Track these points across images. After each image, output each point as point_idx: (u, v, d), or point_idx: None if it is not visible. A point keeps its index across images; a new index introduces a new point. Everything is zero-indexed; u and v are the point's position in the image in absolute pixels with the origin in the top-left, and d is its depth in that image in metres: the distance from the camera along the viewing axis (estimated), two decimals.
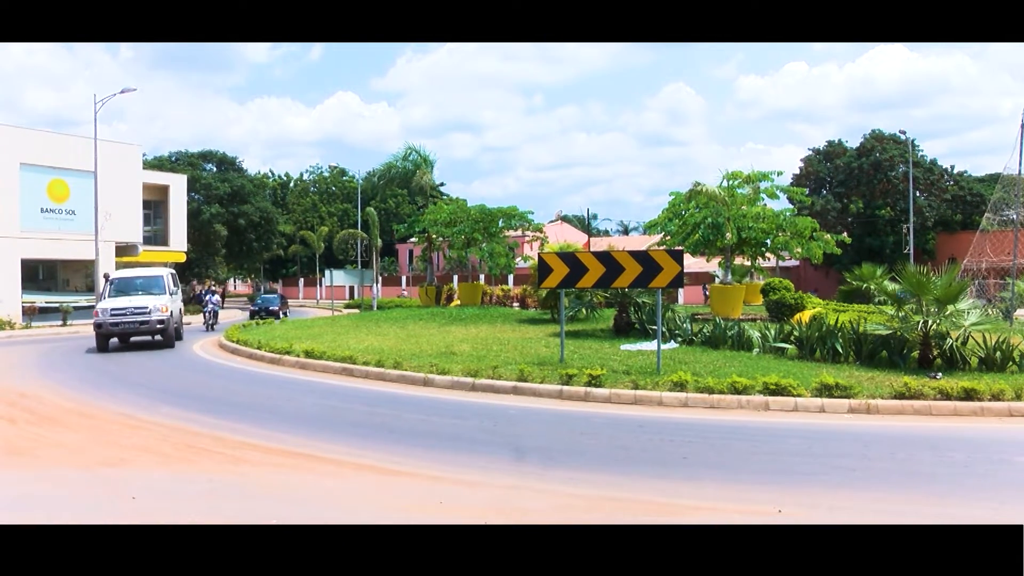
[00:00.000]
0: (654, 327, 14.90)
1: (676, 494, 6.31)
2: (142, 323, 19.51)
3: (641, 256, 12.66)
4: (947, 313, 12.37)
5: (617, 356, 13.77)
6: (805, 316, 18.52)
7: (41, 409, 10.64)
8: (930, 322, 12.34)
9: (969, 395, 10.05)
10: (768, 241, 24.69)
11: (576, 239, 51.81)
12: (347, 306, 45.34)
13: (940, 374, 11.59)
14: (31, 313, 29.03)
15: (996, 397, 10.05)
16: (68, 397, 11.61)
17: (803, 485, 6.60)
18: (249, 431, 8.84)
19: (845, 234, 35.13)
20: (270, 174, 71.97)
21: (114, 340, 20.44)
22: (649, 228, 29.32)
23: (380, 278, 53.12)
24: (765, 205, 25.05)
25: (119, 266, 33.44)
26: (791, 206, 31.09)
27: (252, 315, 34.82)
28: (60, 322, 29.14)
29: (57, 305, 29.98)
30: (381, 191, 43.91)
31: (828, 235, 25.93)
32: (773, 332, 14.91)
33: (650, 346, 14.23)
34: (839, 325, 13.80)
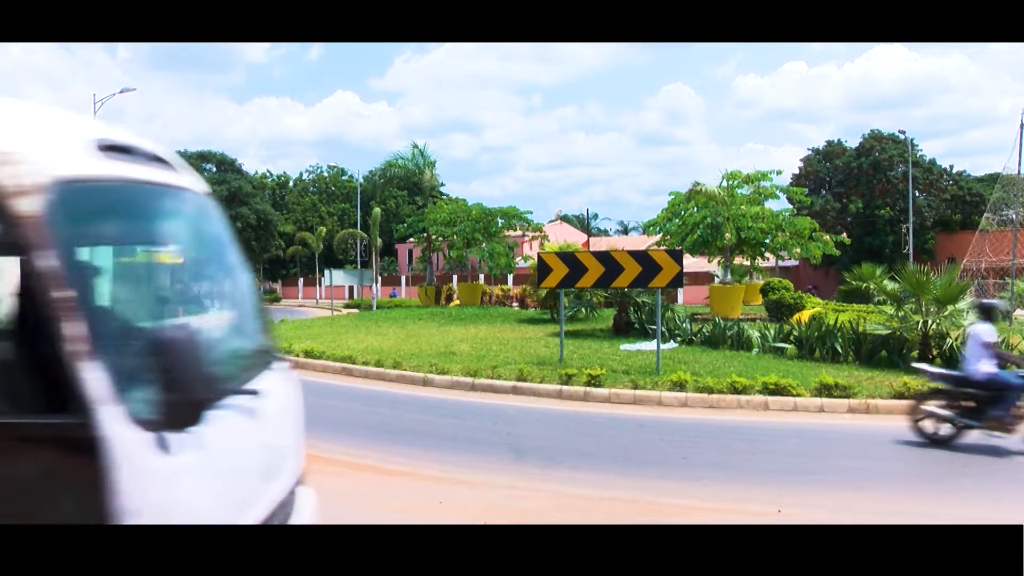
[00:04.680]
0: (653, 327, 14.91)
1: (676, 494, 6.31)
2: None
3: (640, 256, 12.66)
4: (946, 313, 12.37)
5: (616, 356, 13.78)
6: (804, 316, 18.53)
7: None
8: (930, 322, 12.35)
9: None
10: (767, 241, 24.72)
11: (575, 239, 51.78)
12: (346, 306, 45.35)
13: None
14: None
15: None
16: None
17: (803, 485, 6.60)
18: None
19: (844, 234, 35.16)
20: (269, 174, 71.96)
21: None
22: (648, 228, 29.32)
23: (380, 278, 53.15)
24: (764, 205, 25.07)
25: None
26: (790, 206, 31.11)
27: None
28: None
29: None
30: (381, 190, 43.91)
31: (827, 236, 25.95)
32: (772, 332, 14.92)
33: (649, 346, 14.23)
34: (838, 325, 13.80)
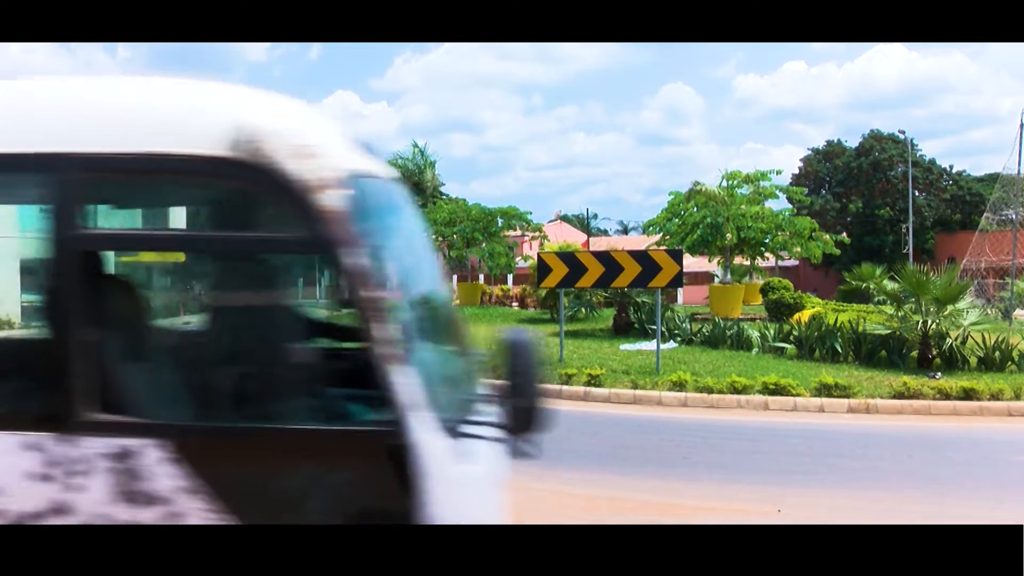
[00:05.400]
0: (653, 327, 14.90)
1: (676, 494, 6.30)
2: None
3: (640, 256, 12.65)
4: (946, 313, 12.37)
5: (616, 356, 13.77)
6: (804, 316, 18.52)
7: None
8: (929, 322, 12.34)
9: (968, 395, 10.05)
10: (767, 241, 24.70)
11: (575, 239, 51.75)
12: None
13: (939, 374, 11.60)
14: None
15: (995, 397, 10.06)
16: None
17: (803, 485, 6.60)
18: None
19: (844, 234, 35.12)
20: None
21: None
22: (648, 228, 29.30)
23: None
24: (764, 205, 25.06)
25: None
26: (790, 206, 31.09)
27: None
28: None
29: None
30: None
31: (827, 235, 25.92)
32: (772, 332, 14.91)
33: (649, 346, 14.22)
34: (838, 325, 13.80)
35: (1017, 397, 10.06)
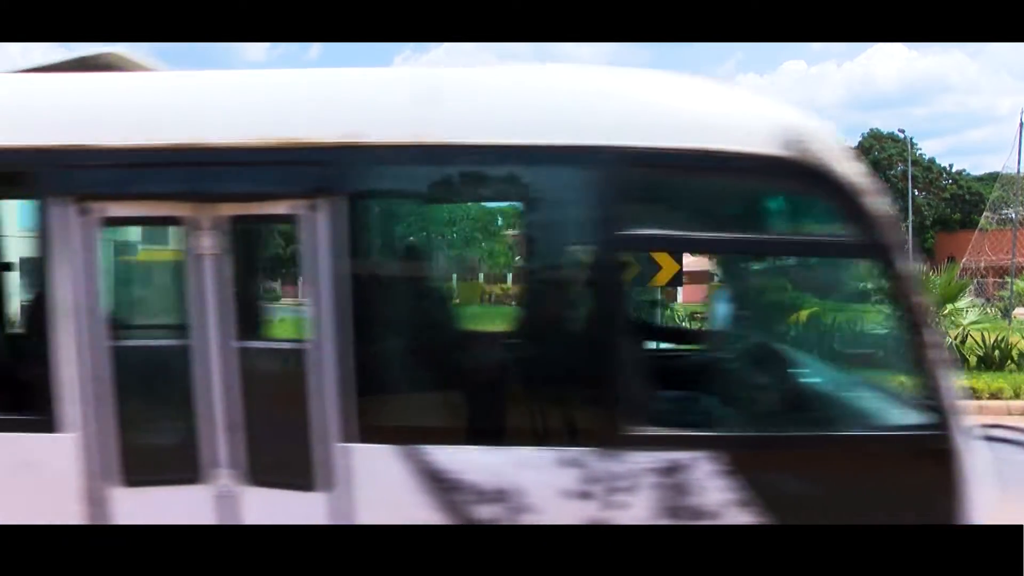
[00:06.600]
0: None
1: None
2: None
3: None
4: (946, 312, 12.37)
5: None
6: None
7: None
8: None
9: (967, 394, 10.06)
10: None
11: None
12: None
13: None
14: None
15: (995, 396, 10.06)
16: None
17: None
18: None
19: None
20: None
21: None
22: None
23: None
24: None
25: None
26: None
27: None
28: None
29: None
30: None
31: None
32: None
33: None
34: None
35: (1017, 396, 10.05)
